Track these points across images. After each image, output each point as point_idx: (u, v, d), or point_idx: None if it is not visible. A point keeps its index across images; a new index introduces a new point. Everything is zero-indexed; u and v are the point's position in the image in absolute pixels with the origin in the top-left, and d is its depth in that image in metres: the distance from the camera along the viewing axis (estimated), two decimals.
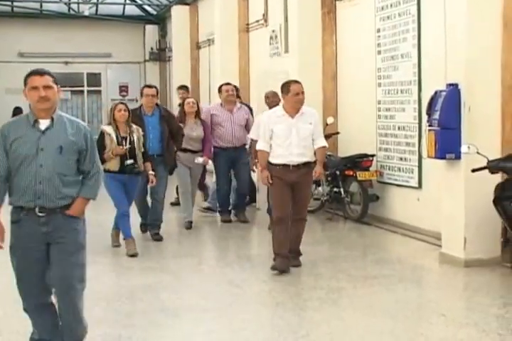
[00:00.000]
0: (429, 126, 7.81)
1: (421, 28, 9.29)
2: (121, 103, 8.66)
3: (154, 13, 24.15)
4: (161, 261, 8.30)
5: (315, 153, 7.73)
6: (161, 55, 23.77)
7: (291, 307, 6.36)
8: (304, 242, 7.93)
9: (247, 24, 15.69)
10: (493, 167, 7.21)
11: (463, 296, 6.77)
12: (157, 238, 9.35)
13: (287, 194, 7.57)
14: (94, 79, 24.61)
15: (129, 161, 8.41)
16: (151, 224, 9.50)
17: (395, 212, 10.13)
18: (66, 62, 23.88)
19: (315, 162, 7.73)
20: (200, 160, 10.14)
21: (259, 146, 7.80)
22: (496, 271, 7.44)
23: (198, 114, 10.29)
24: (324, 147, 7.80)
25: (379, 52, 10.31)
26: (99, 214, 11.15)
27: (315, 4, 11.76)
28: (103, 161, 7.54)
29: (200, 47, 19.76)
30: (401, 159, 9.90)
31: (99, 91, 24.67)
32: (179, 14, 20.41)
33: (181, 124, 9.96)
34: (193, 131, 10.12)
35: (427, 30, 9.16)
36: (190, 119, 10.19)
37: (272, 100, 9.93)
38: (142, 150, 8.60)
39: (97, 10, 23.36)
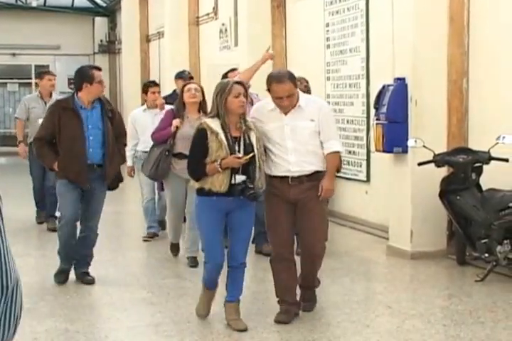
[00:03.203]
0: (377, 119, 7.89)
1: (369, 22, 9.35)
2: (238, 83, 5.54)
3: (104, 5, 23.94)
4: (109, 254, 8.23)
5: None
6: (110, 47, 23.61)
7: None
8: None
9: (197, 17, 15.65)
10: (439, 161, 7.31)
11: (409, 288, 6.85)
12: (88, 281, 6.89)
13: (287, 217, 5.64)
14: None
15: (241, 177, 5.35)
16: (79, 260, 6.99)
17: (343, 205, 10.20)
18: (13, 54, 23.56)
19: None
20: None
21: None
22: (441, 264, 7.54)
23: (202, 106, 7.38)
24: (336, 153, 5.71)
25: (328, 47, 10.35)
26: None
27: None
28: (203, 175, 5.37)
29: (150, 40, 19.67)
30: (349, 153, 9.97)
31: None
32: (129, 6, 20.25)
33: (178, 120, 7.31)
34: (193, 129, 6.84)
35: (375, 24, 9.22)
36: (191, 113, 7.32)
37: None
38: (264, 158, 5.53)
39: (45, 1, 23.05)
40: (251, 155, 5.31)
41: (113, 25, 23.57)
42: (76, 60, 23.66)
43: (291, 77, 5.43)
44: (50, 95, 9.87)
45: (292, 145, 5.53)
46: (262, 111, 5.65)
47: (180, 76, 9.91)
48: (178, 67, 15.47)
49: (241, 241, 5.55)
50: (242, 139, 5.41)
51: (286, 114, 5.55)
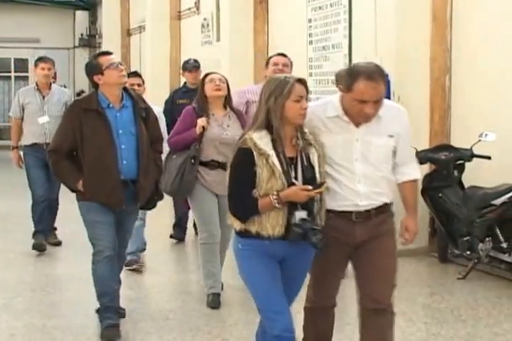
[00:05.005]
0: None
1: (352, 18, 9.26)
2: (300, 80, 3.92)
3: None
4: (88, 250, 8.13)
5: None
6: (90, 41, 23.50)
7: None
8: None
9: (179, 11, 15.56)
10: (421, 158, 7.27)
11: None
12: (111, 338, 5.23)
13: (341, 264, 4.15)
14: (22, 64, 24.14)
15: (301, 214, 3.77)
16: (104, 305, 5.36)
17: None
18: None
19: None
20: None
21: None
22: (423, 261, 7.54)
23: (228, 101, 6.13)
24: (416, 181, 4.29)
25: (310, 42, 10.29)
26: (22, 200, 10.96)
27: None
28: (254, 214, 3.77)
29: (131, 34, 19.56)
30: None
31: (27, 78, 24.21)
32: (110, 0, 20.13)
33: (204, 118, 5.92)
34: (224, 129, 5.98)
35: (358, 21, 9.13)
36: (216, 109, 6.04)
37: None
38: (327, 185, 3.88)
39: None
40: (325, 186, 3.81)
41: (94, 19, 23.46)
42: (56, 54, 23.48)
43: (383, 75, 3.88)
44: (50, 87, 8.31)
45: (362, 170, 3.96)
46: (319, 116, 3.99)
47: (184, 67, 8.81)
48: (159, 61, 15.49)
49: (292, 296, 4.08)
50: (299, 160, 3.83)
51: (357, 125, 3.96)
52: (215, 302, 5.99)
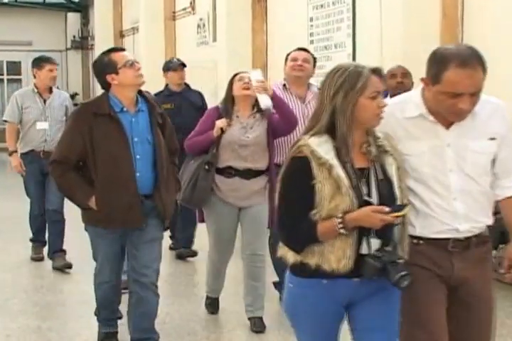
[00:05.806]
0: None
1: (356, 17, 9.10)
2: (375, 71, 3.08)
3: (76, 0, 23.71)
4: (83, 252, 7.92)
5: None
6: (83, 43, 23.53)
7: None
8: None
9: (174, 12, 15.45)
10: None
11: None
12: None
13: (442, 306, 3.19)
14: (15, 67, 24.13)
15: (375, 242, 2.96)
16: (104, 315, 5.10)
17: None
18: None
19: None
20: (266, 101, 5.18)
21: None
22: None
23: (258, 102, 5.31)
24: None
25: (311, 42, 10.12)
26: (19, 201, 10.76)
27: None
28: (312, 242, 2.96)
29: (124, 36, 19.50)
30: None
31: (20, 80, 24.15)
32: (102, 1, 20.07)
33: (224, 119, 5.30)
34: (246, 131, 5.32)
35: (362, 19, 8.98)
36: (242, 110, 5.36)
37: (388, 83, 5.79)
38: (410, 207, 3.04)
39: None
40: (408, 208, 2.97)
41: (86, 21, 23.50)
42: None
43: (482, 60, 3.01)
44: (50, 90, 7.63)
45: (459, 183, 3.14)
46: (396, 117, 3.18)
47: (167, 67, 8.01)
48: (154, 63, 15.22)
49: None
50: (372, 173, 3.03)
51: (448, 126, 3.15)
52: (214, 307, 5.88)
